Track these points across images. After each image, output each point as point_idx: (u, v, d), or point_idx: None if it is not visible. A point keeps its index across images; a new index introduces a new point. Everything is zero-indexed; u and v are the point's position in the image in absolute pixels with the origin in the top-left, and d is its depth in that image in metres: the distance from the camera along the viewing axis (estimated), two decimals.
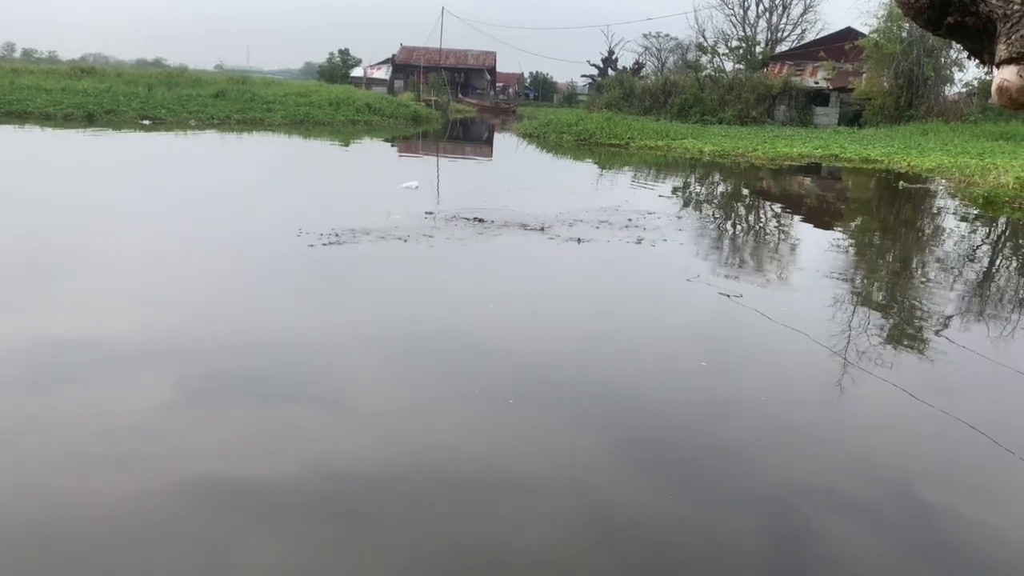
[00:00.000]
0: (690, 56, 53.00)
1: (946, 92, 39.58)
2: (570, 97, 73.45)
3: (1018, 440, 4.79)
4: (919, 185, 19.54)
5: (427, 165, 21.92)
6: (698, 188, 19.52)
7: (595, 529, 3.68)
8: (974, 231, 13.70)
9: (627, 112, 41.53)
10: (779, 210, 15.72)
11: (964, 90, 39.65)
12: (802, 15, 53.57)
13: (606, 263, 9.11)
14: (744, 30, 52.62)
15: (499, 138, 36.92)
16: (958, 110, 37.04)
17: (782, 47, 52.43)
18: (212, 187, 14.33)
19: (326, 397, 5.02)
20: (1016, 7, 1.89)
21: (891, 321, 7.62)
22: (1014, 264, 11.20)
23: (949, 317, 7.66)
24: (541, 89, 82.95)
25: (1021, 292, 9.26)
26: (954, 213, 15.99)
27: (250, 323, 6.41)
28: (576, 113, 40.43)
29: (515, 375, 5.59)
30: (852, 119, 40.45)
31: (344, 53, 70.59)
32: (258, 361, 5.57)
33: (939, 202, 17.49)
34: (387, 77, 67.94)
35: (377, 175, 18.62)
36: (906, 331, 7.31)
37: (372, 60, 71.08)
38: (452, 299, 7.50)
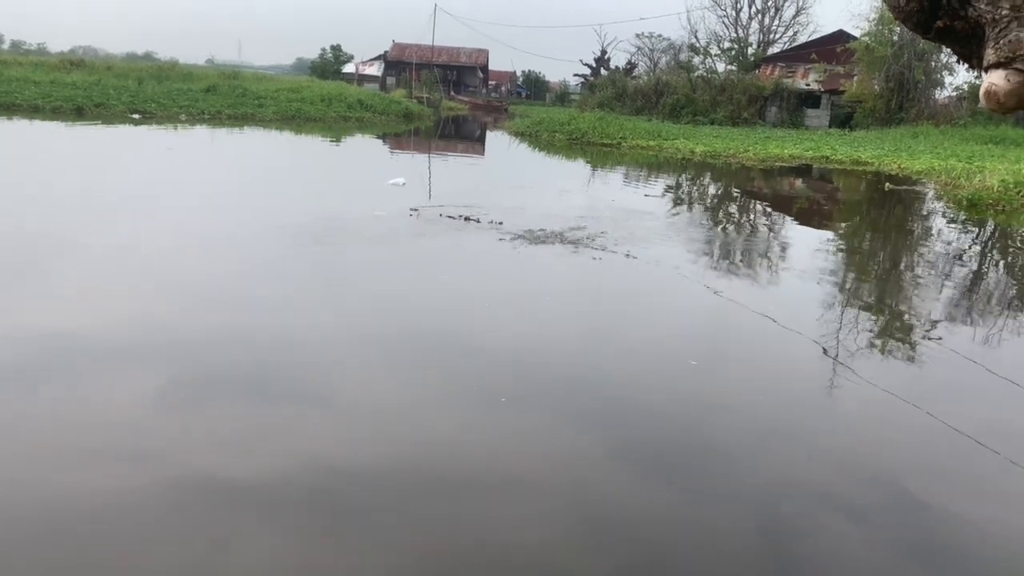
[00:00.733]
0: (682, 57, 53.11)
1: (936, 96, 39.81)
2: (562, 96, 73.40)
3: (1000, 440, 4.82)
4: (905, 187, 19.67)
5: (417, 162, 21.88)
6: (688, 188, 19.57)
7: (589, 527, 3.69)
8: (955, 233, 13.80)
9: (619, 112, 41.55)
10: (768, 210, 15.77)
11: (954, 94, 39.88)
12: (794, 17, 53.79)
13: (596, 262, 9.11)
14: (736, 31, 52.76)
15: (491, 136, 36.89)
16: (948, 114, 37.27)
17: (774, 49, 52.60)
18: (196, 182, 14.24)
19: (317, 395, 5.00)
20: (1004, 12, 1.90)
21: (873, 321, 7.65)
22: (990, 266, 11.27)
23: (927, 317, 7.70)
24: (533, 88, 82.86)
25: (995, 293, 9.33)
26: (938, 215, 16.11)
27: (232, 319, 6.38)
28: (568, 112, 40.45)
29: (506, 373, 5.59)
30: (843, 121, 40.61)
31: (336, 49, 70.24)
32: (244, 358, 5.54)
33: (924, 204, 17.61)
34: (379, 74, 67.71)
35: (365, 172, 18.56)
36: (888, 331, 7.34)
37: (364, 56, 70.82)
38: (436, 297, 7.49)
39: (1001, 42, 1.90)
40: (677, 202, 16.06)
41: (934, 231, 14.14)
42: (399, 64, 66.75)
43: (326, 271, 8.15)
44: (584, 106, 46.47)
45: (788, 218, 14.90)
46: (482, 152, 29.12)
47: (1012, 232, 14.27)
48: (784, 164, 25.12)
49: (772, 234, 13.08)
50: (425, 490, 3.90)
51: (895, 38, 37.25)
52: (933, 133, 32.14)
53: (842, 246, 12.44)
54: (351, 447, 4.37)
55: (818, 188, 21.18)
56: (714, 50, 49.82)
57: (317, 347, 5.84)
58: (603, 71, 64.91)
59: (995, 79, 1.91)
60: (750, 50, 51.45)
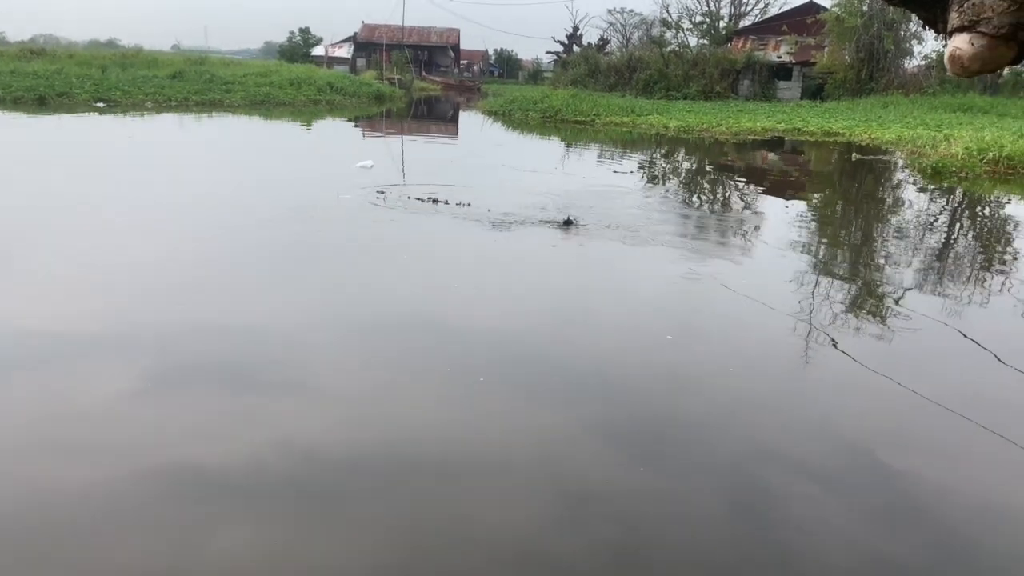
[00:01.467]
0: (654, 32, 52.92)
1: (906, 65, 40.06)
2: (535, 74, 72.91)
3: (970, 406, 4.87)
4: (872, 157, 19.82)
5: (388, 144, 21.65)
6: (662, 164, 19.55)
7: (567, 504, 3.71)
8: (920, 202, 13.95)
9: (592, 89, 41.37)
10: (741, 184, 15.80)
11: (923, 63, 40.19)
12: None
13: (567, 241, 9.06)
14: (708, 5, 52.45)
15: (463, 116, 36.62)
16: (917, 83, 37.56)
17: (745, 22, 52.48)
18: (159, 169, 13.95)
19: (287, 382, 4.93)
20: None
21: (843, 291, 7.68)
22: (950, 234, 11.38)
23: (894, 286, 7.76)
24: (506, 66, 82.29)
25: (955, 261, 9.42)
26: (903, 184, 16.29)
27: (193, 308, 6.28)
28: (541, 90, 40.17)
29: (479, 355, 5.55)
30: (814, 93, 40.75)
31: (305, 32, 69.16)
32: (214, 345, 5.46)
33: (889, 173, 17.77)
34: (349, 56, 66.84)
35: (334, 155, 18.30)
36: (857, 302, 7.38)
37: (334, 39, 69.87)
38: (403, 280, 7.41)
39: (965, 5, 1.87)
40: (651, 179, 16.03)
41: (898, 200, 14.33)
42: (369, 45, 65.92)
43: (289, 256, 8.04)
44: (557, 83, 46.19)
45: (760, 191, 14.92)
46: (454, 133, 28.87)
47: (973, 199, 14.43)
48: (757, 137, 25.18)
49: (745, 207, 13.10)
50: (402, 473, 3.90)
51: (864, 8, 37.38)
52: (903, 102, 32.39)
53: (811, 217, 12.50)
54: (325, 433, 4.32)
55: (790, 160, 21.26)
56: (686, 24, 49.62)
57: (283, 334, 5.76)
58: (575, 48, 64.52)
59: (959, 43, 1.88)
60: (722, 23, 51.31)
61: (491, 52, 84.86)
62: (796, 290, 7.45)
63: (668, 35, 48.51)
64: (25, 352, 5.17)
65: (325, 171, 14.66)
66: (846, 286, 7.91)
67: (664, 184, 15.59)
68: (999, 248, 10.27)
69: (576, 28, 70.02)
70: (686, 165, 19.84)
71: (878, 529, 3.62)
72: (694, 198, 13.95)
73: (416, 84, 56.40)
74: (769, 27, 46.88)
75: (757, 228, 11.03)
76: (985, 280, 8.35)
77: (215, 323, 5.91)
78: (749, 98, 41.55)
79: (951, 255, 9.70)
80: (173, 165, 14.72)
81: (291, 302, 6.53)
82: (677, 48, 46.24)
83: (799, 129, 26.55)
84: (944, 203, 13.96)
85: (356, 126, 28.64)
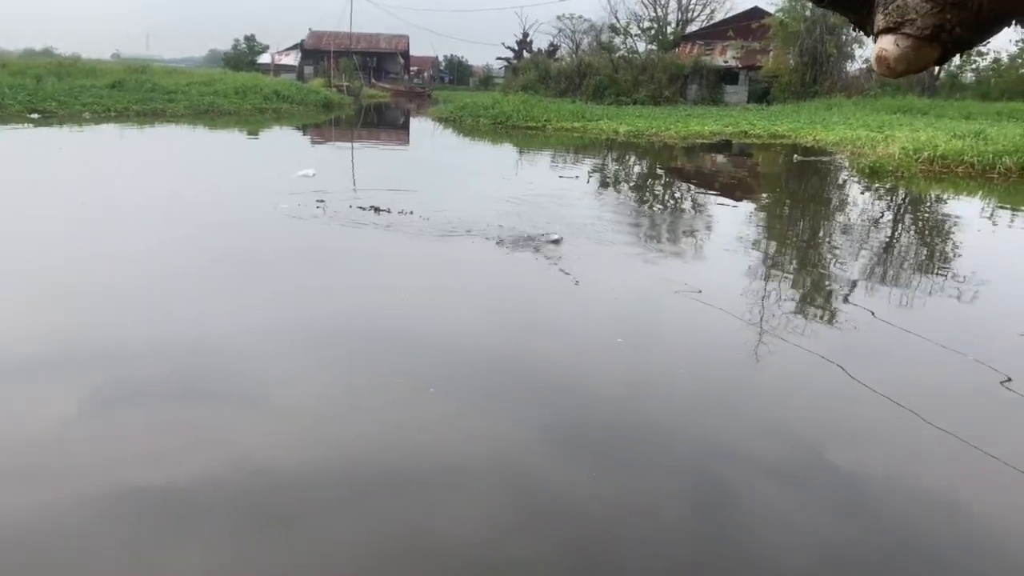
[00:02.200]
0: (604, 37, 53.32)
1: (848, 68, 41.11)
2: (486, 80, 73.04)
3: (915, 398, 4.89)
4: (813, 158, 20.23)
5: (335, 153, 21.32)
6: (612, 169, 19.63)
7: (525, 509, 3.71)
8: (855, 199, 14.32)
9: (543, 94, 41.52)
10: (690, 187, 15.92)
11: (864, 66, 41.23)
12: None
13: (515, 247, 8.95)
14: (655, 11, 53.27)
15: (414, 123, 36.40)
16: (859, 85, 38.56)
17: (692, 27, 53.30)
18: (87, 182, 13.45)
19: (234, 396, 4.77)
20: None
21: (783, 286, 7.72)
22: (885, 231, 11.61)
23: (832, 282, 7.83)
24: (456, 72, 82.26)
25: (887, 256, 9.59)
26: (842, 184, 16.71)
27: (139, 322, 6.02)
28: (492, 96, 40.18)
29: (427, 365, 5.39)
30: (761, 96, 41.53)
31: (250, 39, 68.14)
32: (158, 363, 5.24)
33: (830, 174, 18.16)
34: (296, 63, 66.05)
35: (276, 164, 17.89)
36: (800, 297, 7.42)
37: (280, 46, 68.96)
38: (346, 290, 7.21)
39: (890, 7, 1.88)
40: (603, 183, 16.04)
41: (835, 199, 14.73)
42: (316, 53, 65.22)
43: (221, 269, 7.78)
44: (508, 89, 46.30)
45: (709, 193, 15.05)
46: (405, 140, 28.65)
47: (907, 196, 14.78)
48: (705, 141, 25.49)
49: (694, 210, 13.18)
50: (358, 486, 3.84)
51: (807, 13, 38.21)
52: (846, 105, 33.19)
53: (757, 217, 12.64)
54: (278, 448, 4.19)
55: (738, 163, 21.56)
56: (634, 30, 50.30)
57: (223, 350, 5.52)
58: (526, 54, 64.76)
59: (885, 44, 1.89)
60: (669, 29, 52.08)
61: (441, 58, 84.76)
62: (745, 289, 7.46)
63: (617, 41, 49.07)
64: None
65: (266, 181, 14.29)
66: (792, 284, 7.95)
67: (616, 188, 15.61)
68: (933, 242, 10.48)
69: (526, 34, 70.32)
70: (637, 169, 19.96)
71: (830, 522, 3.68)
72: (645, 201, 13.99)
73: (365, 91, 56.00)
74: (715, 32, 47.67)
75: (707, 229, 11.08)
76: (915, 274, 8.48)
77: (152, 339, 5.65)
78: (697, 102, 42.17)
79: (888, 250, 9.85)
80: (102, 178, 14.19)
81: (224, 318, 6.27)
82: (626, 54, 46.76)
83: (746, 132, 26.97)
84: (880, 201, 14.28)
85: (304, 134, 28.21)
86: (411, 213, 10.42)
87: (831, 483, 4.06)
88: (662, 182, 17.26)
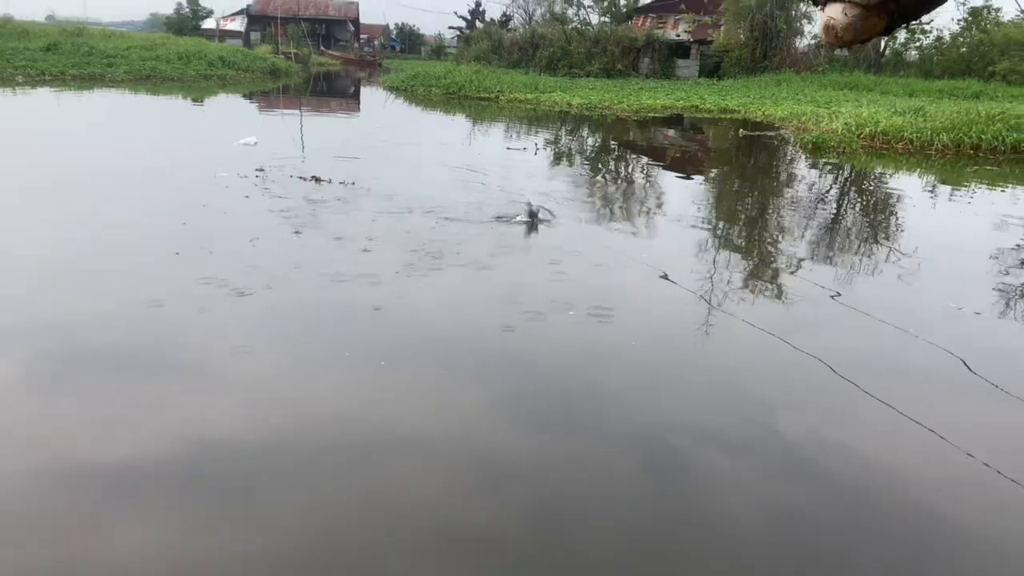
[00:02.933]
0: (557, 9, 52.93)
1: (797, 44, 41.57)
2: (438, 50, 72.08)
3: (855, 370, 5.05)
4: (758, 133, 20.52)
5: (281, 121, 20.83)
6: (566, 141, 19.61)
7: (481, 476, 3.76)
8: (795, 174, 14.60)
9: (496, 65, 41.20)
10: (641, 161, 16.02)
11: (813, 42, 41.77)
12: None
13: (461, 219, 8.89)
14: None
15: (364, 92, 35.78)
16: (808, 61, 39.08)
17: (645, 0, 53.25)
18: (22, 149, 12.96)
19: (182, 368, 4.69)
20: None
21: (730, 258, 7.86)
22: (823, 206, 11.90)
23: (777, 255, 8.01)
24: (408, 41, 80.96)
25: (826, 231, 9.84)
26: (785, 159, 16.99)
27: (82, 294, 5.87)
28: (445, 66, 39.78)
29: (378, 337, 5.36)
30: (712, 71, 41.82)
31: (194, 3, 65.86)
32: (102, 334, 5.13)
33: (774, 148, 18.46)
34: (242, 29, 64.12)
35: (218, 132, 17.44)
36: (747, 269, 7.57)
37: (225, 11, 66.78)
38: (288, 261, 7.08)
39: None
40: (557, 156, 16.02)
41: (777, 174, 15.00)
42: (263, 18, 63.38)
43: (158, 238, 7.56)
44: (460, 59, 45.81)
45: (661, 166, 15.17)
46: (351, 109, 28.14)
47: (847, 172, 15.12)
48: (657, 115, 25.62)
49: (646, 184, 13.27)
50: (310, 457, 3.82)
51: None
52: (795, 80, 33.67)
53: (705, 191, 12.80)
54: (227, 420, 4.15)
55: (688, 137, 21.75)
56: (587, 1, 49.97)
57: (166, 321, 5.39)
58: (479, 24, 64.04)
59: (833, 12, 1.92)
60: (622, 1, 51.91)
61: (392, 27, 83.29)
62: (694, 262, 7.56)
63: (570, 12, 48.76)
64: None
65: (207, 149, 13.90)
66: (740, 256, 8.09)
67: (570, 161, 15.61)
68: (873, 217, 10.76)
69: (479, 4, 69.53)
70: (591, 142, 19.97)
71: (783, 488, 3.83)
72: (599, 174, 14.03)
73: (314, 59, 54.71)
74: (668, 6, 47.66)
75: (658, 203, 11.18)
76: (850, 248, 8.72)
77: (97, 310, 5.51)
78: (649, 76, 42.29)
79: (831, 225, 10.09)
80: (36, 145, 13.65)
81: (165, 289, 6.10)
82: (579, 26, 46.52)
83: (697, 107, 27.18)
84: (818, 176, 14.57)
85: (250, 102, 27.50)
86: (353, 184, 10.25)
87: (779, 448, 4.20)
88: (615, 156, 17.31)
